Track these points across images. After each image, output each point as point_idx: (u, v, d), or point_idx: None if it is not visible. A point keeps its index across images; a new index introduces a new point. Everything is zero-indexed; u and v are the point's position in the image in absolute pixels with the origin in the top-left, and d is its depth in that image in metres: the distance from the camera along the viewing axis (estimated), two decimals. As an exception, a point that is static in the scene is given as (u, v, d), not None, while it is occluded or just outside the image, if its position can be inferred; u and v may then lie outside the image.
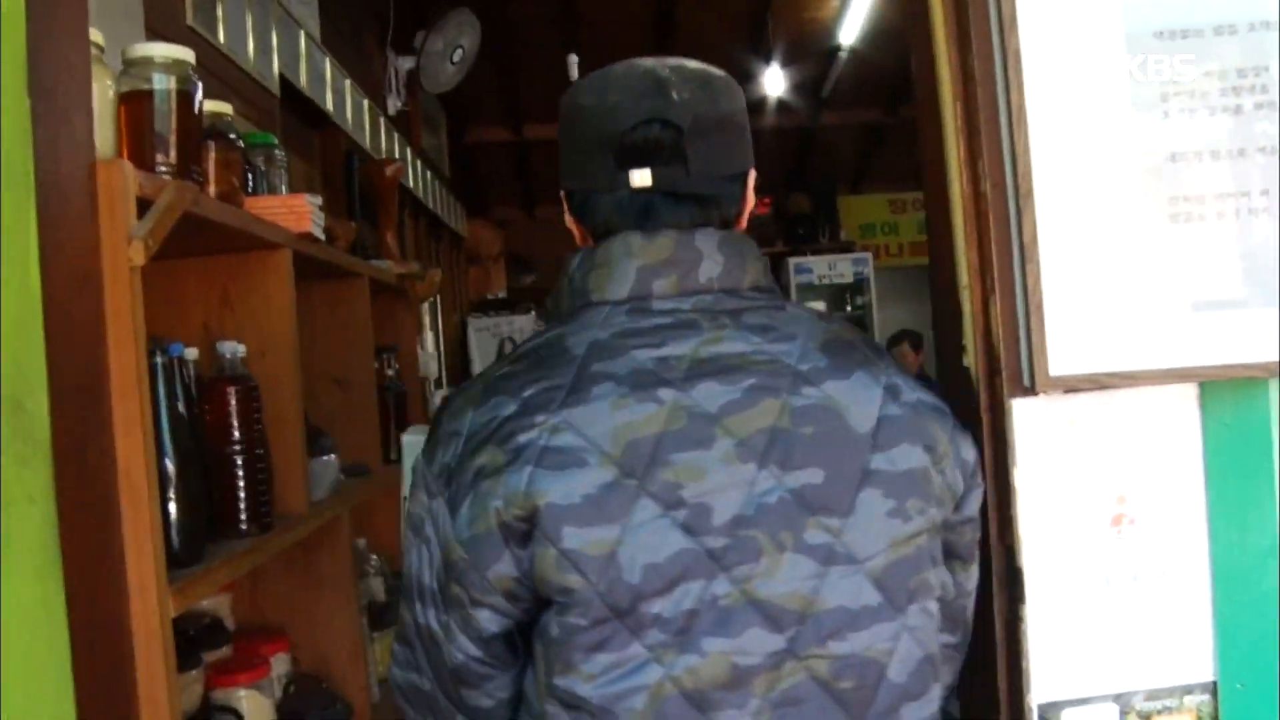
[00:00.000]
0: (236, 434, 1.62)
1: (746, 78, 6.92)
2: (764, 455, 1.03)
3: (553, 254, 9.64)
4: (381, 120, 4.78)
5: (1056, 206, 1.15)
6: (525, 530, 1.02)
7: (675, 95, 1.10)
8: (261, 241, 1.78)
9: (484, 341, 7.09)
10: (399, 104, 5.09)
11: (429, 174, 6.19)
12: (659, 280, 1.09)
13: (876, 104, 8.00)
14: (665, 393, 1.04)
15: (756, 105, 7.41)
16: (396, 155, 5.14)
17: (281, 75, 3.22)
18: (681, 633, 1.01)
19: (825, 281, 8.80)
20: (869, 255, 8.99)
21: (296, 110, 3.65)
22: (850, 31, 6.58)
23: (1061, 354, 1.15)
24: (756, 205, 1.22)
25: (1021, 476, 1.19)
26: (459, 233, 7.50)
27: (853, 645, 1.03)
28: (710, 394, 1.04)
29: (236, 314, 1.84)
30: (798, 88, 7.22)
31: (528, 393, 1.06)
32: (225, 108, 1.71)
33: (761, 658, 1.01)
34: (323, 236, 2.06)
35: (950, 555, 1.14)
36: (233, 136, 1.71)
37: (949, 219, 1.24)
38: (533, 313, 7.39)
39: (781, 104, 7.36)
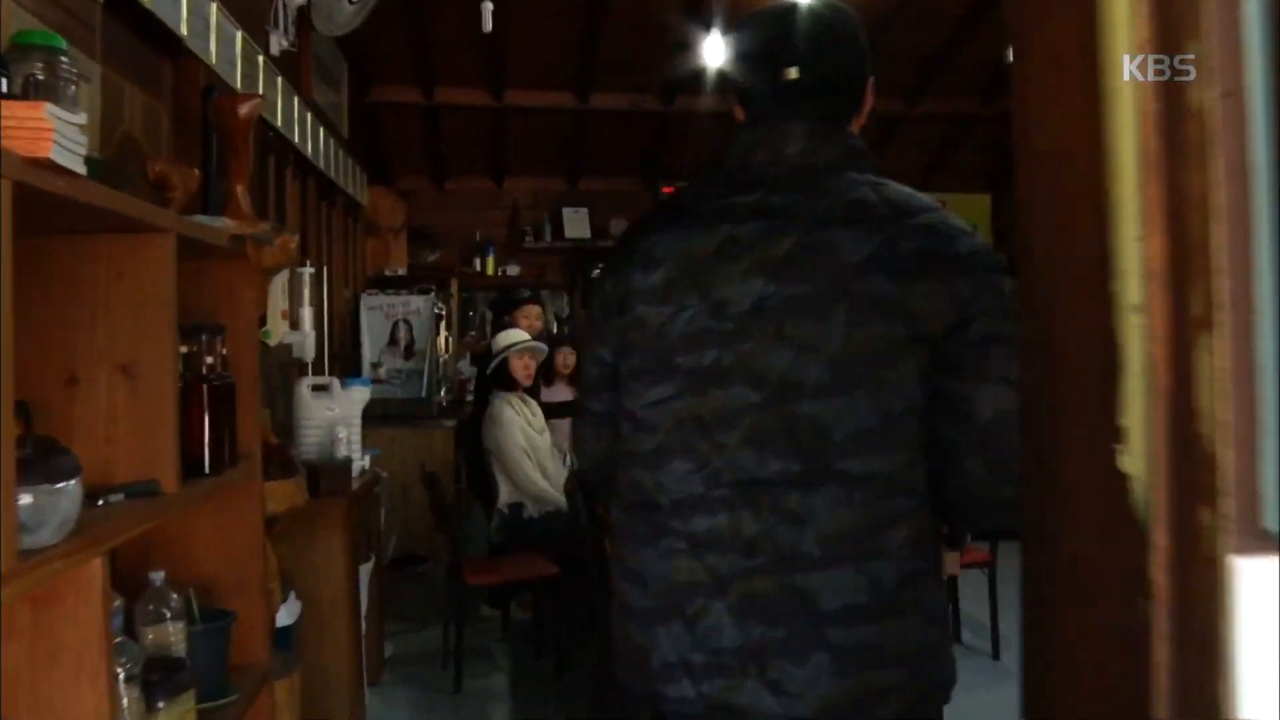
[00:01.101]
0: None
1: (681, 47, 6.37)
2: (773, 273, 1.49)
3: (461, 230, 9.06)
4: (260, 59, 4.13)
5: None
6: (620, 306, 1.63)
7: (810, 12, 1.61)
8: (-44, 166, 1.18)
9: (375, 322, 6.40)
10: (285, 43, 4.42)
11: (322, 130, 5.54)
12: (757, 152, 1.59)
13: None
14: (725, 227, 1.54)
15: (691, 81, 6.85)
16: (279, 102, 4.49)
17: (110, -22, 2.58)
18: (696, 380, 1.52)
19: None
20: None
21: (140, 29, 3.02)
22: None
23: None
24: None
25: (1245, 703, 0.57)
26: (357, 200, 6.85)
27: (807, 409, 1.45)
28: (752, 230, 1.52)
29: (-82, 271, 1.24)
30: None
31: (647, 223, 1.67)
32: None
33: (742, 405, 1.48)
34: (83, 169, 1.45)
35: (960, 367, 1.46)
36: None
37: (1082, 166, 0.60)
38: (433, 294, 6.70)
39: (721, 79, 6.77)
